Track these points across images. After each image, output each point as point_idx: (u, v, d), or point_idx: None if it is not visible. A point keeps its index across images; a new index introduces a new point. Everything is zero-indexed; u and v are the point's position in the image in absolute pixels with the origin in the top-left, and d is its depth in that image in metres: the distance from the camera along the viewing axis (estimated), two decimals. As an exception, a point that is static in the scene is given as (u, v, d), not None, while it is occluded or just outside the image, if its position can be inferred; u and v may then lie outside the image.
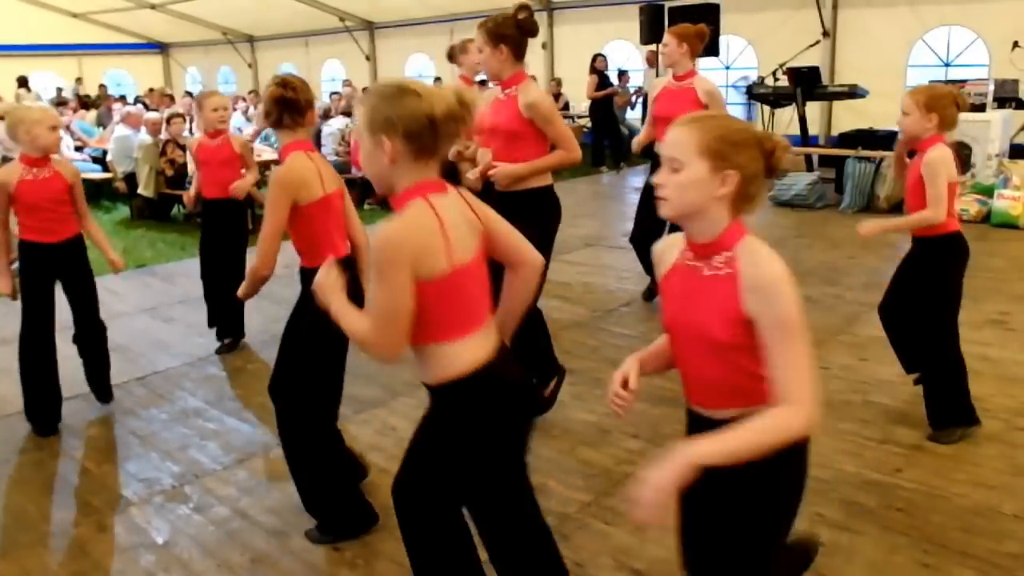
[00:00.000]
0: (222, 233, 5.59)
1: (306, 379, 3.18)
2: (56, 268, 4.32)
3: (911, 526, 3.17)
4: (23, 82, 18.88)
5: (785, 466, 1.90)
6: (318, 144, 11.31)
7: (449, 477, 2.23)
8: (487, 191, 3.67)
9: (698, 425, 2.00)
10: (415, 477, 2.29)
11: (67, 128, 12.92)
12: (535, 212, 3.91)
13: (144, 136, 10.76)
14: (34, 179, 4.13)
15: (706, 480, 1.75)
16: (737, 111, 13.65)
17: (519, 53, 3.91)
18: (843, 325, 5.50)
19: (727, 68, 14.06)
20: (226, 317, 5.65)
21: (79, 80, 21.17)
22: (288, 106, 3.15)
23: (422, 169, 2.06)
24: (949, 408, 3.90)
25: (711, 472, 1.74)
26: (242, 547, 3.24)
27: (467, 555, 2.38)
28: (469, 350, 2.12)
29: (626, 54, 15.44)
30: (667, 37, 5.79)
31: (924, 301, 3.96)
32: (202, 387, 4.97)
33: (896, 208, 9.03)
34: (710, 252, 1.90)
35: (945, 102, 3.73)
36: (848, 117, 11.75)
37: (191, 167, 9.81)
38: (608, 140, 13.41)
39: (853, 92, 10.58)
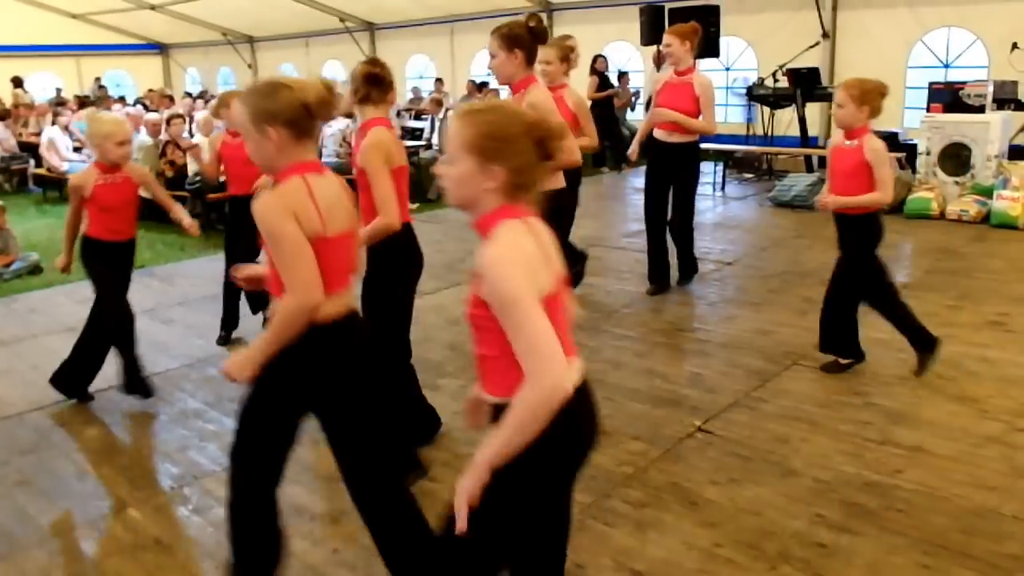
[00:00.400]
0: (249, 230, 5.50)
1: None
2: (117, 263, 4.67)
3: (911, 527, 3.17)
4: (18, 82, 18.86)
5: (546, 437, 1.85)
6: (320, 145, 11.30)
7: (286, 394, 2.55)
8: None
9: (493, 414, 2.00)
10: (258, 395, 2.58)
11: (65, 128, 12.93)
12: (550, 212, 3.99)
13: (144, 137, 10.75)
14: (107, 183, 4.46)
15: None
16: (737, 112, 13.66)
17: (531, 58, 4.15)
18: (843, 326, 5.48)
19: (727, 69, 14.05)
20: (233, 315, 5.77)
21: (98, 80, 21.09)
22: (376, 82, 3.57)
23: (301, 151, 2.44)
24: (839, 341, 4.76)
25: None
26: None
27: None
28: (330, 304, 2.44)
29: (627, 55, 15.43)
30: (669, 37, 6.15)
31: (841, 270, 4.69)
32: (201, 388, 4.97)
33: (896, 209, 9.04)
34: (482, 236, 1.95)
35: (875, 95, 4.35)
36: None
37: (191, 168, 9.82)
38: (609, 141, 13.39)
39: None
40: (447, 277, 7.11)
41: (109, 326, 4.65)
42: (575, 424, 1.95)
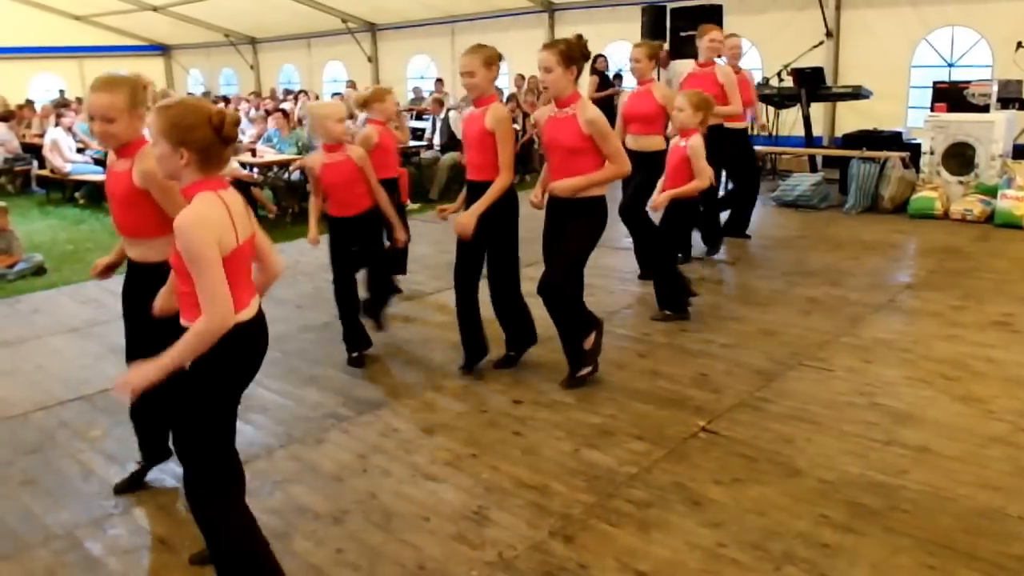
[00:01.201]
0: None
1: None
2: (352, 237, 5.12)
3: (916, 528, 3.16)
4: None
5: (215, 354, 2.54)
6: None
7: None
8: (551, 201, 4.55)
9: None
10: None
11: (69, 130, 12.93)
12: (585, 218, 4.49)
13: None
14: (331, 163, 4.95)
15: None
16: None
17: (579, 75, 4.42)
18: (847, 327, 5.48)
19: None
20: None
21: (62, 92, 21.06)
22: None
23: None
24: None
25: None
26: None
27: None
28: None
29: (628, 55, 15.43)
30: (715, 32, 7.26)
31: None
32: None
33: (900, 209, 9.04)
34: (187, 195, 2.57)
35: (708, 106, 5.61)
36: (852, 118, 11.70)
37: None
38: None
39: (857, 93, 10.56)
40: (448, 277, 7.04)
41: (336, 294, 5.19)
42: (249, 341, 2.66)
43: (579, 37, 4.40)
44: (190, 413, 2.68)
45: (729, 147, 7.46)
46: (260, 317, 2.73)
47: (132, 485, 3.77)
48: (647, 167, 6.20)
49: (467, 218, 4.52)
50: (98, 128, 3.28)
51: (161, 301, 2.95)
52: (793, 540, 3.10)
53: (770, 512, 3.29)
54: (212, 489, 2.71)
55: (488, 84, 4.55)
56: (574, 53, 4.32)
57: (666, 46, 11.14)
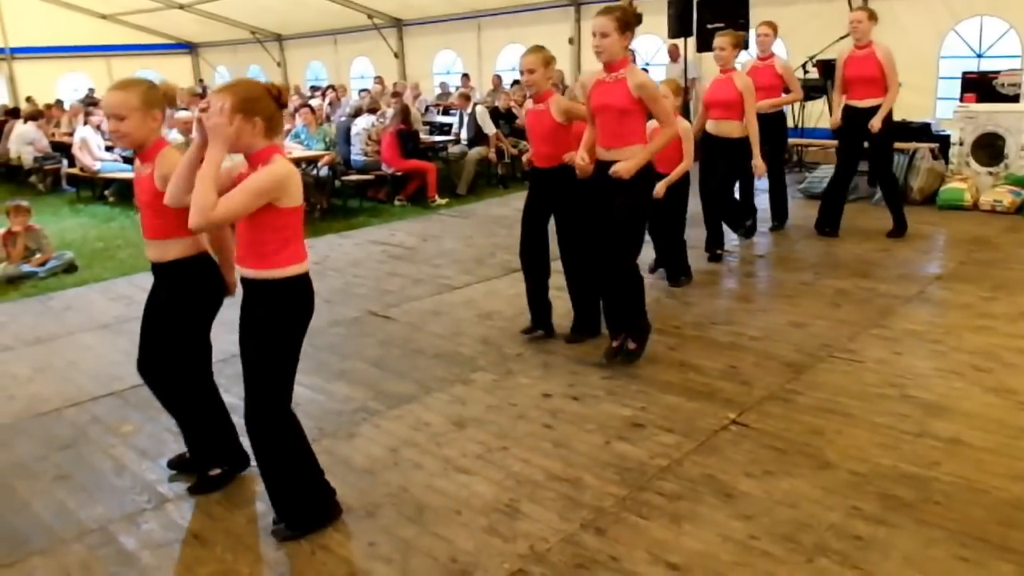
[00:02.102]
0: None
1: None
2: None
3: (949, 520, 3.13)
4: None
5: (287, 298, 3.11)
6: (347, 143, 11.35)
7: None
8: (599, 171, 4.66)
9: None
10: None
11: (97, 128, 13.06)
12: (636, 183, 4.56)
13: (175, 135, 10.84)
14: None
15: None
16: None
17: (632, 40, 4.59)
18: (876, 318, 5.44)
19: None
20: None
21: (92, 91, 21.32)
22: None
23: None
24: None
25: None
26: (277, 542, 3.26)
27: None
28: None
29: (654, 48, 15.37)
30: (762, 28, 8.02)
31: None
32: (236, 383, 4.92)
33: (929, 200, 8.95)
34: (255, 164, 2.98)
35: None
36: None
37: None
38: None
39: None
40: (477, 272, 7.13)
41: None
42: (309, 288, 3.14)
43: (631, 3, 4.50)
44: (267, 348, 3.09)
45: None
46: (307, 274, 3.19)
47: (182, 467, 3.91)
48: (729, 153, 6.87)
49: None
50: (111, 126, 3.38)
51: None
52: (825, 532, 3.08)
53: (802, 504, 3.28)
54: (279, 411, 3.15)
55: (546, 82, 4.99)
56: (629, 19, 4.47)
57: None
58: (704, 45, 11.33)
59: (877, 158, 7.62)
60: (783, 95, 7.91)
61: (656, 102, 4.52)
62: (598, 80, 4.65)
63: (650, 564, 2.96)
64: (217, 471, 3.74)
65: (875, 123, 7.13)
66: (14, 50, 21.54)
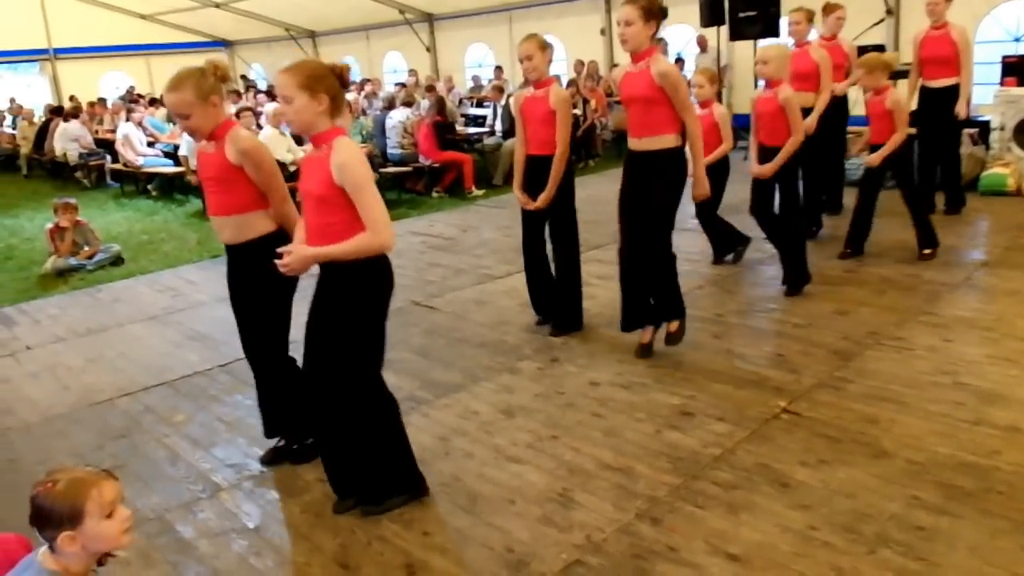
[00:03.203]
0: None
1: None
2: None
3: (1014, 510, 3.07)
4: None
5: (375, 276, 3.12)
6: (383, 135, 11.37)
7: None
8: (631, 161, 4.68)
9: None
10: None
11: (139, 124, 13.23)
12: (668, 170, 4.56)
13: (268, 130, 10.84)
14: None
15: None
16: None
17: (656, 32, 4.53)
18: (923, 305, 5.34)
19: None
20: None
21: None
22: None
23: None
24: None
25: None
26: (332, 532, 3.27)
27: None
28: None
29: (686, 38, 15.22)
30: (794, 15, 7.61)
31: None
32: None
33: (970, 186, 8.78)
34: (319, 144, 3.03)
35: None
36: (914, 96, 11.42)
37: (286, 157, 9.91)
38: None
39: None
40: (517, 261, 7.06)
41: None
42: (388, 271, 3.14)
43: None
44: (359, 319, 3.12)
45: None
46: None
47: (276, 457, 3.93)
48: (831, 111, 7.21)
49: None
50: (181, 125, 3.53)
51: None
52: (887, 523, 3.03)
53: (860, 494, 3.23)
54: (372, 378, 3.20)
55: (545, 66, 5.03)
56: (654, 8, 4.42)
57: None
58: (736, 33, 11.21)
59: (948, 138, 7.64)
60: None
61: (677, 91, 4.43)
62: (626, 72, 4.64)
63: (709, 555, 2.93)
64: (311, 441, 3.81)
65: (960, 109, 7.22)
66: (57, 50, 21.88)
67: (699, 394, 4.25)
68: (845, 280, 6.02)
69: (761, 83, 5.83)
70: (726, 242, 6.67)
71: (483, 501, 3.39)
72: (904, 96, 6.41)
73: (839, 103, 7.91)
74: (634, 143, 4.64)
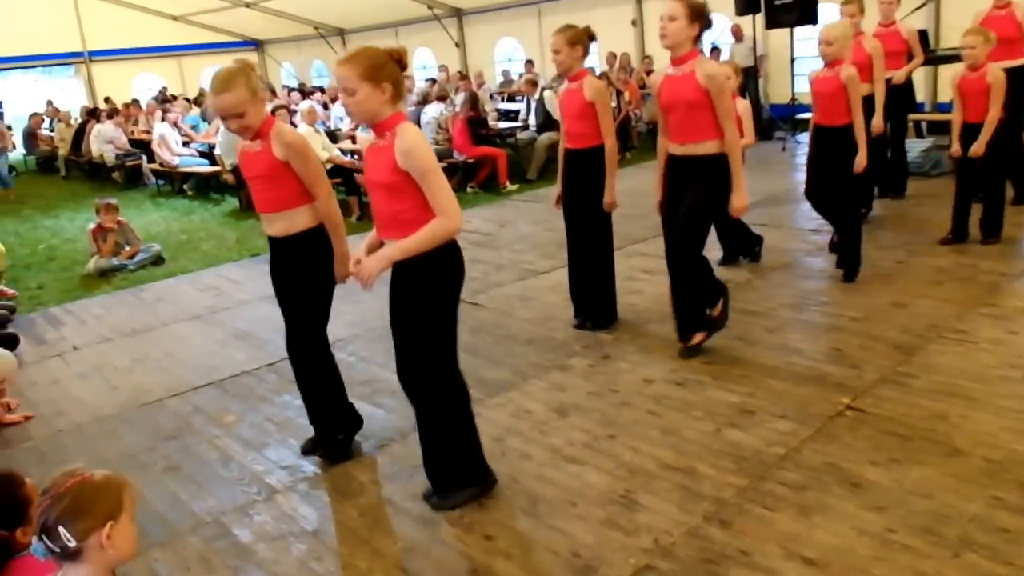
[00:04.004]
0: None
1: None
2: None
3: (1101, 509, 2.95)
4: None
5: (446, 264, 3.09)
6: (417, 131, 11.31)
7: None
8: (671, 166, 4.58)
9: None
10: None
11: (174, 124, 13.28)
12: (711, 177, 4.44)
13: (303, 127, 10.83)
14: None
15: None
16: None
17: (699, 36, 4.40)
18: (983, 296, 5.18)
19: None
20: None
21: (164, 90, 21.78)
22: None
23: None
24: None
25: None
26: (393, 535, 3.22)
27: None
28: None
29: (721, 27, 15.02)
30: (850, 8, 7.27)
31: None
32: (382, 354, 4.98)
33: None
34: (382, 132, 3.00)
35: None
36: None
37: (323, 155, 9.88)
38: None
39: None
40: (559, 256, 6.99)
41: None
42: (459, 256, 3.14)
43: None
44: (435, 308, 3.12)
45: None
46: None
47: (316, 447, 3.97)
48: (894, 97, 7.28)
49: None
50: (233, 125, 3.49)
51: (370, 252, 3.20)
52: (968, 524, 2.91)
53: (937, 494, 3.11)
54: (450, 365, 3.22)
55: (573, 61, 4.87)
56: (701, 11, 4.31)
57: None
58: (772, 22, 11.04)
59: (1015, 123, 7.35)
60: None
61: (722, 96, 4.30)
62: (667, 76, 4.50)
63: (784, 559, 2.83)
64: (341, 437, 3.89)
65: None
66: (91, 53, 22.11)
67: (757, 391, 4.13)
68: (897, 271, 5.86)
69: (798, 70, 5.78)
70: (741, 243, 6.49)
71: (544, 503, 3.31)
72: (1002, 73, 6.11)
73: (902, 90, 7.76)
74: (675, 148, 4.51)
